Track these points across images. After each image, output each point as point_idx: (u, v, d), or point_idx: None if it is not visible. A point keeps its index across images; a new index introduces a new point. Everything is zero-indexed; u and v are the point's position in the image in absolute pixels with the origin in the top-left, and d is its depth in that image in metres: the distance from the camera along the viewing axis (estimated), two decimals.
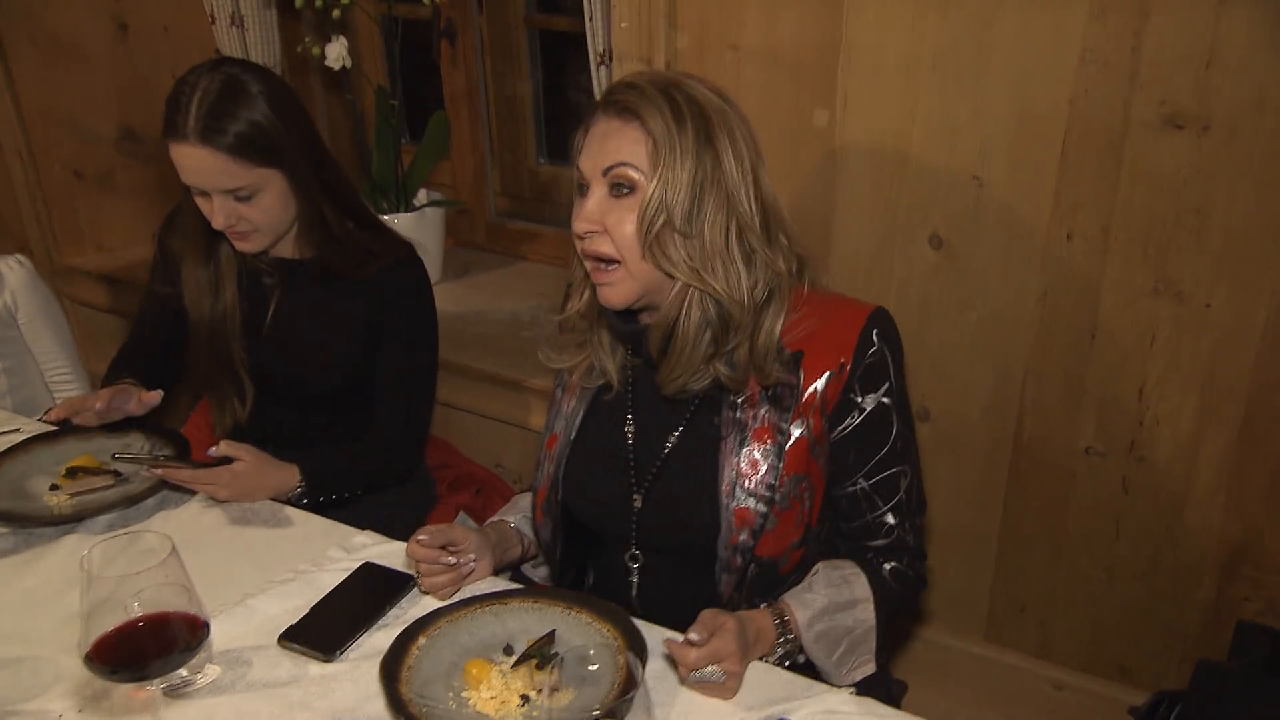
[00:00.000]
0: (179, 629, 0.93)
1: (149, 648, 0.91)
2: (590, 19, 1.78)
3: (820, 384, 1.14)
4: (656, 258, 1.10)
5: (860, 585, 1.16)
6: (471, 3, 2.29)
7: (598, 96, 1.87)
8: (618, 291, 1.13)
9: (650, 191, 1.07)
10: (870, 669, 1.16)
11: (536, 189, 2.44)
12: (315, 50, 2.15)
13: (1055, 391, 1.63)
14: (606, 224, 1.11)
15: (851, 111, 1.65)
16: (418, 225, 2.11)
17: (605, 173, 1.10)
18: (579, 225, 1.13)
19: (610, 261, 1.11)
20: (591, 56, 1.81)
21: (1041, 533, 1.72)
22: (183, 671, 1.05)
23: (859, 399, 1.15)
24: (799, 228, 1.19)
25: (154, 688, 0.97)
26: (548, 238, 2.39)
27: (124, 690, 1.05)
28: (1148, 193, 1.46)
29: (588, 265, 1.16)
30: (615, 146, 1.09)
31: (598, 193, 1.12)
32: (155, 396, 1.52)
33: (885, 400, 1.15)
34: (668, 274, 1.11)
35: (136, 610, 0.92)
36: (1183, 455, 1.52)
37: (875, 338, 1.14)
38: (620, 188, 1.09)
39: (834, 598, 1.14)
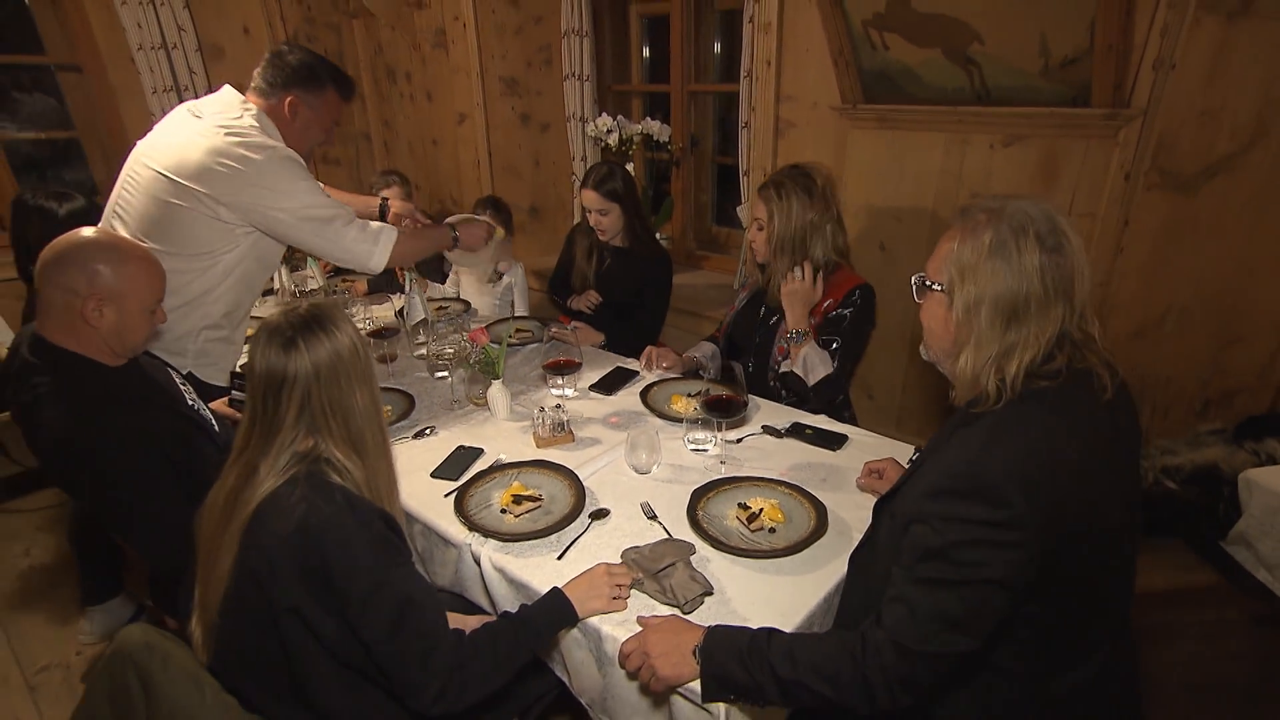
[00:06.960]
0: (575, 365, 1.58)
1: (566, 368, 1.57)
2: (740, 155, 2.34)
3: (824, 306, 1.55)
4: (780, 259, 1.54)
5: (828, 358, 1.53)
6: (688, 150, 2.75)
7: (743, 196, 2.35)
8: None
9: (776, 230, 1.53)
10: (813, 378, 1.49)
11: (710, 236, 2.91)
12: None
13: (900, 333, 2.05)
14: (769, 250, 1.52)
15: (850, 189, 2.08)
16: None
17: (759, 226, 1.54)
18: (760, 256, 1.58)
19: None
20: (740, 172, 2.38)
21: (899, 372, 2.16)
22: (565, 390, 1.63)
23: (837, 312, 1.55)
24: None
25: (561, 383, 1.61)
26: (715, 259, 2.82)
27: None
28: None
29: (759, 259, 1.59)
30: (761, 212, 1.53)
31: (759, 234, 1.53)
32: (596, 297, 2.02)
33: (847, 313, 1.56)
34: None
35: (562, 355, 1.57)
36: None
37: (857, 294, 1.55)
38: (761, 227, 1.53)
39: (821, 356, 1.54)
